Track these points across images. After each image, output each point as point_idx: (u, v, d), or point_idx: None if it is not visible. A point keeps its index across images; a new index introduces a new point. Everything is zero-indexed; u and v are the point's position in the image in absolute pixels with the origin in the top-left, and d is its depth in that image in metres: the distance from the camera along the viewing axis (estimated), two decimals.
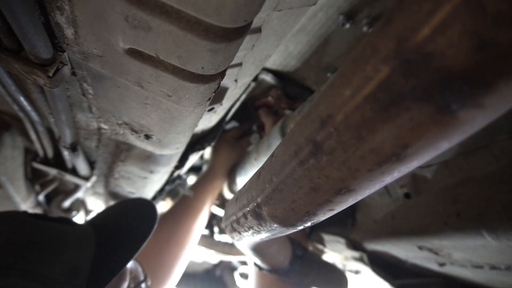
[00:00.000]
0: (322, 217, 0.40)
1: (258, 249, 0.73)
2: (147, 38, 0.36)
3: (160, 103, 0.49)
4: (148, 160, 0.75)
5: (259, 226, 0.49)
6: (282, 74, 1.05)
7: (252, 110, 1.24)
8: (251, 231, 0.53)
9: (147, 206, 0.78)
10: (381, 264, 1.07)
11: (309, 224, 0.43)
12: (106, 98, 0.53)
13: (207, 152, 1.38)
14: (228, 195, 1.34)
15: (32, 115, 0.66)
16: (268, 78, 1.05)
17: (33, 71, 0.41)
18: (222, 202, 1.41)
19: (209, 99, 0.47)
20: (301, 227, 0.45)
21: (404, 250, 0.84)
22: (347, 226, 0.98)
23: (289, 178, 0.36)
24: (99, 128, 0.70)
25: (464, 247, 0.68)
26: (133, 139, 0.68)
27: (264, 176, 0.42)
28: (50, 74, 0.41)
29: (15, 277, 0.51)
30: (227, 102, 0.76)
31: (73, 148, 0.72)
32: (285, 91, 1.11)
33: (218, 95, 0.66)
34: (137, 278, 0.74)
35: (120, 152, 0.76)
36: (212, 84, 0.42)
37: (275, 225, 0.45)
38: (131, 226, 0.72)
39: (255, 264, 0.91)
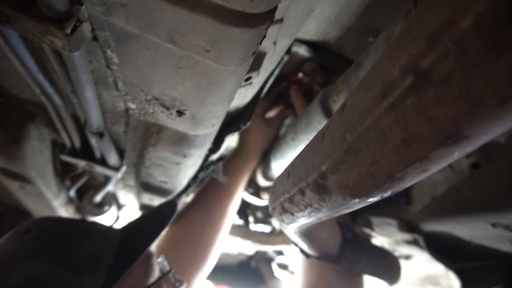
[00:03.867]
0: (409, 182, 0.32)
1: (308, 233, 0.65)
2: None
3: (196, 64, 0.42)
4: (181, 142, 0.68)
5: (321, 202, 0.41)
6: (317, 45, 0.96)
7: (283, 90, 1.16)
8: (308, 210, 0.46)
9: (168, 203, 0.84)
10: (437, 247, 0.97)
11: (388, 193, 0.35)
12: (133, 66, 0.47)
13: (233, 139, 1.31)
14: (263, 182, 1.27)
15: (55, 99, 0.61)
16: (301, 50, 0.97)
17: (48, 29, 0.35)
18: (256, 189, 1.34)
19: (254, 53, 0.40)
20: (375, 199, 0.37)
21: (470, 229, 0.75)
22: (400, 205, 0.89)
23: (371, 131, 0.28)
24: (127, 109, 0.64)
25: None
26: (164, 118, 0.61)
27: (332, 136, 0.34)
28: (68, 31, 0.35)
29: (40, 262, 0.56)
30: (263, 73, 0.69)
31: (100, 134, 0.67)
32: (320, 63, 1.02)
33: (256, 61, 0.58)
34: (164, 271, 0.74)
35: (150, 135, 0.69)
36: (260, 28, 0.34)
37: (343, 198, 0.37)
38: (152, 221, 0.77)
39: (302, 251, 0.83)
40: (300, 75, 1.12)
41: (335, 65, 1.00)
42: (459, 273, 0.99)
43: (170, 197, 0.99)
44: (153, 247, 1.08)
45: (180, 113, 0.57)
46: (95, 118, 0.60)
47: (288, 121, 1.21)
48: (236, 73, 0.43)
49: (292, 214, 0.51)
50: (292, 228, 0.60)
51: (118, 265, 0.62)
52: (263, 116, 1.16)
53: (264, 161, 1.20)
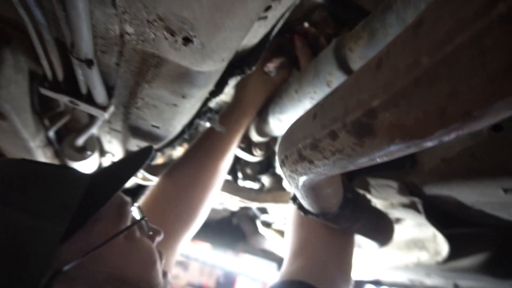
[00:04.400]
0: (485, 122, 0.27)
1: (317, 188, 0.60)
2: None
3: None
4: (182, 79, 0.61)
5: (357, 147, 0.36)
6: None
7: (285, 41, 1.08)
8: (334, 158, 0.40)
9: (143, 149, 0.74)
10: (432, 212, 0.96)
11: (451, 136, 0.29)
12: None
13: (227, 93, 1.23)
14: (256, 137, 1.21)
15: (36, 13, 0.51)
16: None
17: None
18: (248, 145, 1.28)
19: None
20: (430, 143, 0.31)
21: (478, 195, 0.73)
22: (403, 168, 0.85)
23: (465, 51, 0.22)
24: (122, 35, 0.55)
25: None
26: (165, 48, 0.53)
27: (396, 63, 0.27)
28: None
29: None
30: (280, 8, 0.60)
31: (89, 62, 0.58)
32: (332, 12, 0.93)
33: None
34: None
35: (147, 69, 0.61)
36: None
37: (390, 142, 0.32)
38: (124, 166, 0.70)
39: (301, 207, 0.80)
40: (306, 25, 1.03)
41: (348, 15, 0.92)
42: (448, 238, 1.00)
43: (161, 145, 0.92)
44: (139, 202, 1.02)
45: (187, 40, 0.48)
46: (84, 39, 0.51)
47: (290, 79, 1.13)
48: None
49: (311, 162, 0.45)
50: (303, 180, 0.55)
51: (84, 211, 0.56)
52: (263, 71, 1.08)
53: (260, 116, 1.14)
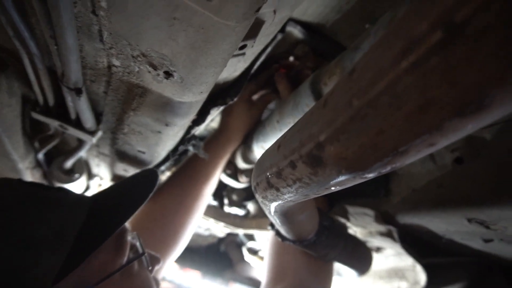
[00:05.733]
0: (412, 157, 0.30)
1: (289, 214, 0.63)
2: None
3: (193, 15, 0.38)
4: (165, 108, 0.65)
5: (312, 176, 0.39)
6: (312, 27, 0.94)
7: (272, 75, 1.13)
8: (296, 186, 0.44)
9: (147, 172, 0.71)
10: (409, 241, 0.99)
11: (387, 169, 0.33)
12: (122, 13, 0.43)
13: (215, 120, 1.28)
14: (242, 164, 1.25)
15: (30, 45, 0.56)
16: (295, 31, 0.94)
17: None
18: (234, 171, 1.31)
19: (258, 10, 0.37)
20: (372, 175, 0.35)
21: (446, 224, 0.76)
22: (378, 196, 0.89)
23: (384, 95, 0.26)
24: (109, 67, 0.59)
25: None
26: (149, 80, 0.58)
27: (336, 102, 0.32)
28: None
29: None
30: (257, 45, 0.66)
31: (78, 90, 0.62)
32: (313, 47, 1.00)
33: (253, 29, 0.55)
34: (137, 253, 0.66)
35: (133, 98, 0.65)
36: None
37: (338, 172, 0.35)
38: (129, 192, 0.66)
39: (278, 233, 0.82)
40: (291, 59, 1.09)
41: (328, 50, 0.98)
42: (426, 268, 1.02)
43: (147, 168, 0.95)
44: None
45: (168, 74, 0.53)
46: (73, 70, 0.55)
47: (272, 105, 1.19)
48: (236, 31, 0.40)
49: (277, 189, 0.49)
50: (274, 206, 0.58)
51: (84, 244, 0.52)
52: (247, 99, 1.13)
53: (246, 143, 1.18)
